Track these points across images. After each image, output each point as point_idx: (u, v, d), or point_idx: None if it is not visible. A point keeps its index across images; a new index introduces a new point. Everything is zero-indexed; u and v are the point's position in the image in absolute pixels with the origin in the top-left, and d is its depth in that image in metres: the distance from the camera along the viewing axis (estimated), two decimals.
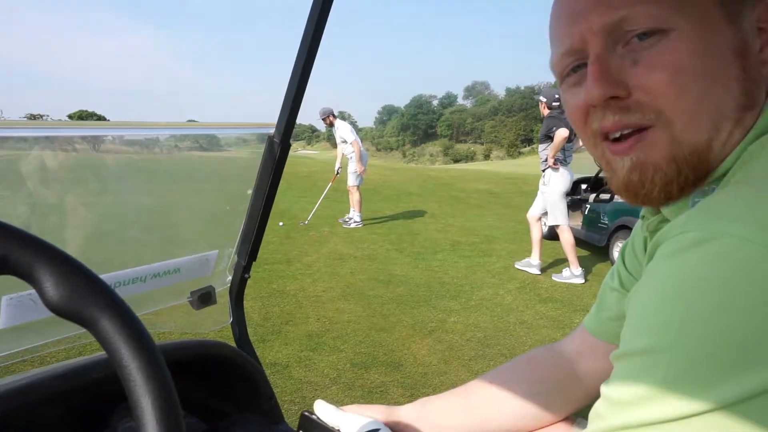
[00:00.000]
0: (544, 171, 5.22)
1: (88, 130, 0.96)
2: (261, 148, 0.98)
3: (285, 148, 0.97)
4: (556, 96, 5.05)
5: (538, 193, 5.37)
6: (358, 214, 7.92)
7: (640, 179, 0.52)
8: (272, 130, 0.97)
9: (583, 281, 5.07)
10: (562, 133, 4.84)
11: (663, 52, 0.48)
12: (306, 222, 7.83)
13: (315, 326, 3.76)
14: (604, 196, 6.23)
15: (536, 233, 5.41)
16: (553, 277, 5.21)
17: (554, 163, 5.07)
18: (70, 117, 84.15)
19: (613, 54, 0.50)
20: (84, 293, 0.36)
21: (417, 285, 4.86)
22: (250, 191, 1.03)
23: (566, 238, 5.12)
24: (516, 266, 5.61)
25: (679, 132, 0.49)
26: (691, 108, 0.48)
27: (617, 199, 6.30)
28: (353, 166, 7.69)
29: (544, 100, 5.17)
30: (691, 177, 0.50)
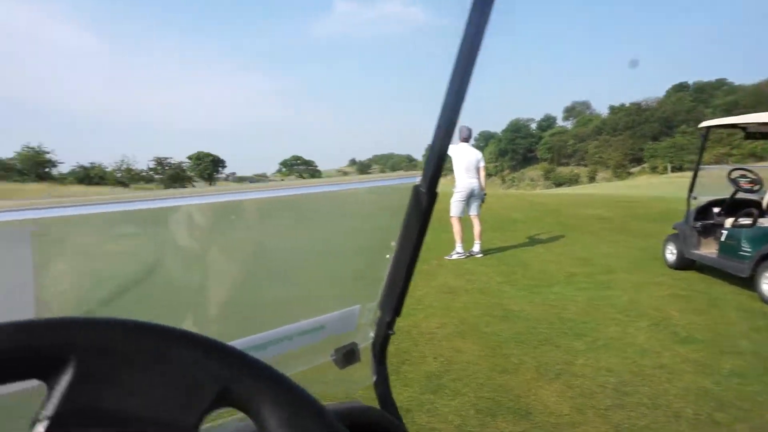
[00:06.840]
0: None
1: (231, 195, 0.94)
2: (403, 196, 0.92)
3: (432, 197, 0.89)
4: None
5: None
6: (460, 245, 7.74)
7: None
8: (418, 179, 0.91)
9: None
10: None
11: None
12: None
13: (433, 366, 3.63)
14: (745, 221, 5.55)
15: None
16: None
17: None
18: (190, 158, 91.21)
19: None
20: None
21: (535, 321, 4.58)
22: (394, 243, 0.97)
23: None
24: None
25: None
26: None
27: (761, 222, 5.58)
28: (455, 196, 7.76)
29: None
30: None
